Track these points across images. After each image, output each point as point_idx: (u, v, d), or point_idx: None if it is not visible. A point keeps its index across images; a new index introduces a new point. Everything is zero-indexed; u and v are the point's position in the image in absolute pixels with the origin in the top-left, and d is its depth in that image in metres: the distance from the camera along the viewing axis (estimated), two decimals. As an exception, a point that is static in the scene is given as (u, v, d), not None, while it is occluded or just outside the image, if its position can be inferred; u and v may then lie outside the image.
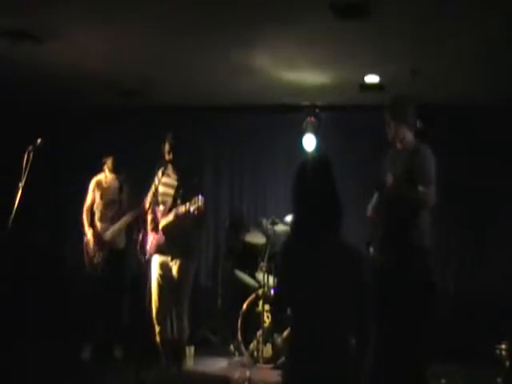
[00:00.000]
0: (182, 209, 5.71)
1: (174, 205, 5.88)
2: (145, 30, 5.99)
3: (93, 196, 7.21)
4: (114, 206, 7.13)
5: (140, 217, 6.59)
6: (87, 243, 7.08)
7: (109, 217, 7.11)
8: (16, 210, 5.47)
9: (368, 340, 3.37)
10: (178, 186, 5.99)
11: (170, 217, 5.83)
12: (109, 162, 7.20)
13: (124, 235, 7.15)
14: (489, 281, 7.78)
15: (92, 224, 7.14)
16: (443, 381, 6.06)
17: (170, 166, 6.07)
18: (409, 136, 5.25)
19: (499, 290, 7.60)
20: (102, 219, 7.13)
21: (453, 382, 6.04)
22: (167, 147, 5.99)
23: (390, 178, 5.14)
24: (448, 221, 7.85)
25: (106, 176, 7.25)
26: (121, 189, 7.17)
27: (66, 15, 5.65)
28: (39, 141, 5.69)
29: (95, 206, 7.17)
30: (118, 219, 7.06)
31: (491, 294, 7.63)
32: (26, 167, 5.58)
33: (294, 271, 3.30)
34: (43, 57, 6.67)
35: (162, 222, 5.91)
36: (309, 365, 3.19)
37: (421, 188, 4.98)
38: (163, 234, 5.91)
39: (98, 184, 7.23)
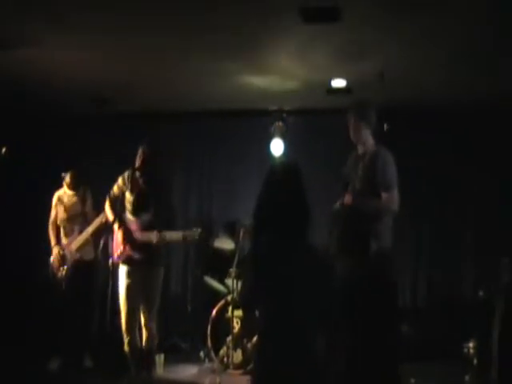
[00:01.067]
0: (174, 237, 5.69)
1: (152, 223, 5.83)
2: (119, 37, 5.95)
3: (55, 211, 7.11)
4: (78, 219, 7.00)
5: (103, 224, 6.55)
6: (53, 259, 7.00)
7: (74, 230, 6.99)
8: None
9: (334, 342, 3.36)
10: (149, 198, 5.92)
11: (154, 239, 5.74)
12: (67, 178, 7.07)
13: (92, 246, 7.01)
14: (457, 280, 7.85)
15: (58, 239, 7.05)
16: (412, 380, 6.10)
17: (138, 174, 5.98)
18: (370, 138, 5.31)
19: (467, 289, 7.67)
20: (67, 234, 7.03)
21: (422, 380, 6.06)
22: (139, 154, 5.92)
23: (347, 196, 5.20)
24: (418, 221, 7.92)
25: (65, 192, 7.13)
26: (83, 201, 7.03)
27: (39, 23, 5.59)
28: (3, 149, 5.62)
29: (59, 221, 7.07)
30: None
31: (459, 293, 7.70)
32: None
33: (262, 274, 3.27)
34: (16, 65, 6.60)
35: (139, 239, 5.84)
36: (276, 367, 3.17)
37: (384, 195, 5.01)
38: (131, 246, 5.84)
39: (60, 199, 7.12)
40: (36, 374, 6.47)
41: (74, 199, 7.06)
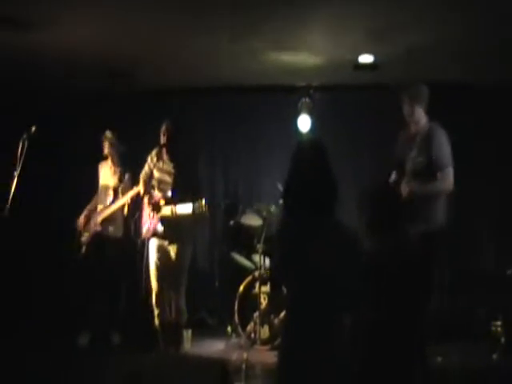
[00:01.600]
0: (184, 210, 5.70)
1: (173, 194, 5.86)
2: (137, 11, 5.91)
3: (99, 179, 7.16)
4: (109, 191, 7.02)
5: (133, 200, 6.59)
6: (80, 225, 7.05)
7: (106, 202, 7.02)
8: (12, 199, 5.47)
9: (362, 322, 3.38)
10: (175, 174, 5.97)
11: (169, 212, 5.80)
12: (106, 140, 7.09)
13: (122, 223, 7.03)
14: (485, 258, 7.83)
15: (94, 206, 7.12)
16: (439, 359, 6.08)
17: (164, 151, 6.04)
18: (423, 117, 5.34)
19: (495, 267, 7.63)
20: (101, 203, 7.07)
21: (448, 359, 6.06)
22: (163, 130, 5.98)
23: (394, 176, 5.22)
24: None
25: (107, 161, 7.16)
26: (118, 174, 7.03)
27: (50, 1, 5.60)
28: (33, 129, 5.68)
29: (99, 190, 7.12)
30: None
31: (486, 271, 7.66)
32: (20, 156, 5.57)
33: (290, 251, 3.30)
34: (32, 43, 6.60)
35: (162, 212, 5.88)
36: (303, 345, 3.20)
37: (439, 175, 5.03)
38: (162, 224, 5.91)
39: (100, 169, 7.18)
40: (65, 349, 6.54)
41: (112, 170, 7.08)
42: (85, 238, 6.98)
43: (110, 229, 6.98)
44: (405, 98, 5.44)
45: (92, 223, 6.97)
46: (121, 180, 6.95)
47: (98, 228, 6.92)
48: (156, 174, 6.06)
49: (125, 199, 6.74)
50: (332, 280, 3.23)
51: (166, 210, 5.82)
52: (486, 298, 7.18)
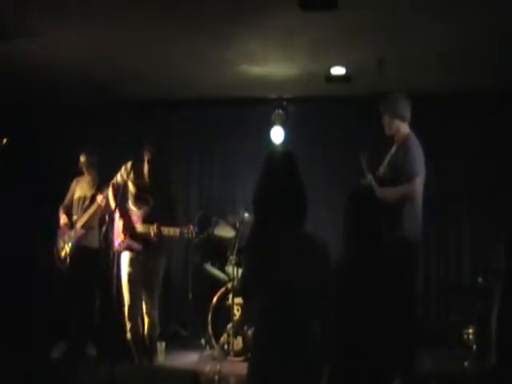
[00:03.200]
0: (171, 232, 5.75)
1: (153, 215, 5.88)
2: (117, 25, 5.97)
3: (71, 194, 7.11)
4: (87, 202, 6.95)
5: (102, 208, 6.56)
6: (60, 232, 6.97)
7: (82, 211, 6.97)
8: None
9: (332, 330, 3.38)
10: (152, 191, 5.97)
11: (152, 232, 5.80)
12: (82, 158, 7.04)
13: (97, 234, 6.96)
14: (456, 267, 7.88)
15: (69, 218, 7.02)
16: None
17: (145, 168, 6.02)
18: (403, 128, 5.42)
19: (466, 275, 7.70)
20: (77, 213, 7.00)
21: (421, 366, 6.10)
22: (147, 147, 5.95)
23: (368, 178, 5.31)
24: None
25: (81, 175, 7.13)
26: (93, 185, 6.99)
27: (36, 12, 5.60)
28: (4, 141, 5.64)
29: (74, 204, 7.05)
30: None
31: (458, 280, 7.73)
32: None
33: (259, 263, 3.28)
34: (14, 55, 6.60)
35: (139, 231, 5.89)
36: (273, 358, 3.19)
37: (405, 181, 5.11)
38: (131, 236, 5.89)
39: (77, 183, 7.13)
40: (39, 363, 6.48)
41: (90, 183, 7.03)
42: (66, 250, 6.89)
43: (88, 240, 6.92)
44: (382, 111, 5.57)
45: (71, 232, 6.89)
46: (100, 190, 6.81)
47: (80, 233, 6.84)
48: (131, 187, 6.04)
49: (95, 206, 6.70)
50: (302, 292, 3.23)
51: (150, 229, 5.82)
52: (458, 307, 7.24)
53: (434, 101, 7.69)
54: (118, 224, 6.02)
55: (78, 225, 6.88)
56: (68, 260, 6.84)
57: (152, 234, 5.78)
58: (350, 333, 3.68)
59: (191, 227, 5.73)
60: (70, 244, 6.86)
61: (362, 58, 6.65)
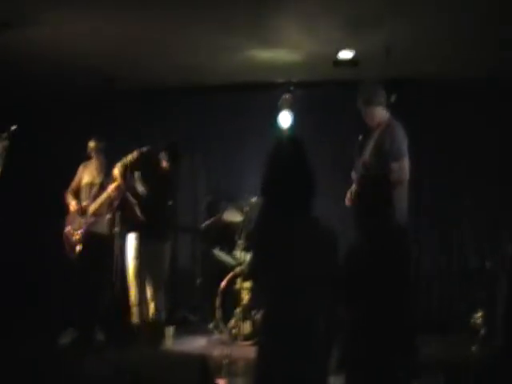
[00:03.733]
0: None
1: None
2: (123, 12, 5.94)
3: (79, 179, 7.13)
4: (96, 187, 6.98)
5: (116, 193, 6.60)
6: (69, 217, 6.99)
7: (91, 197, 6.99)
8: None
9: (337, 318, 3.39)
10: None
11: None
12: (91, 144, 7.03)
13: (106, 220, 6.94)
14: (464, 251, 7.87)
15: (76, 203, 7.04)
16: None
17: (158, 170, 6.08)
18: (381, 114, 5.42)
19: (474, 260, 7.67)
20: (86, 199, 7.02)
21: (429, 351, 6.10)
22: (166, 157, 6.08)
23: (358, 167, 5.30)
24: (423, 193, 7.92)
25: (89, 160, 7.14)
26: (102, 171, 6.99)
27: (37, 1, 5.59)
28: (13, 128, 5.65)
29: (81, 190, 7.08)
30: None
31: (467, 267, 7.71)
32: (0, 155, 5.55)
33: (266, 249, 3.29)
34: (17, 43, 6.57)
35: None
36: (279, 341, 3.20)
37: (394, 165, 5.06)
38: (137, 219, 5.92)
39: (85, 169, 7.15)
40: (48, 349, 6.50)
41: (98, 169, 7.02)
42: (76, 236, 6.90)
43: (98, 226, 6.93)
44: (362, 106, 5.64)
45: (82, 219, 6.90)
46: (107, 175, 6.89)
47: (91, 220, 6.87)
48: (141, 175, 6.10)
49: (109, 191, 6.70)
50: (309, 276, 3.23)
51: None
52: (466, 291, 7.24)
53: (443, 86, 7.67)
54: (124, 208, 6.09)
55: (90, 212, 6.90)
56: (78, 246, 6.87)
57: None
58: (358, 318, 3.70)
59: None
60: (80, 231, 6.88)
61: (370, 42, 6.59)
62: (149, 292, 6.01)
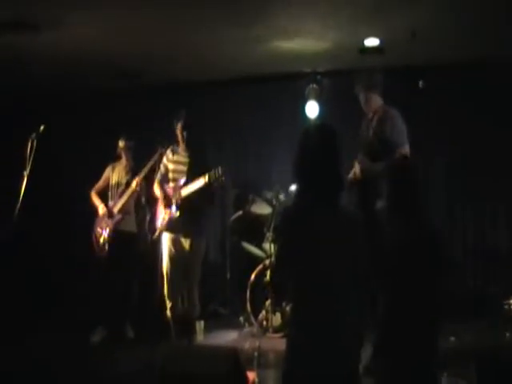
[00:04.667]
0: (200, 182, 5.70)
1: (187, 181, 5.87)
2: (143, 8, 5.95)
3: (106, 179, 7.19)
4: (122, 187, 7.02)
5: (145, 195, 6.61)
6: (97, 223, 7.02)
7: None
8: (22, 199, 5.48)
9: (368, 305, 3.34)
10: (190, 162, 5.97)
11: (188, 190, 5.82)
12: (121, 144, 7.10)
13: (134, 218, 7.05)
14: (497, 236, 7.76)
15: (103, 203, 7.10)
16: (452, 338, 6.06)
17: (180, 144, 6.05)
18: (379, 101, 5.56)
19: (506, 244, 7.57)
20: (113, 199, 7.08)
21: (462, 339, 6.03)
22: (179, 128, 5.98)
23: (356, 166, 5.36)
24: (453, 176, 7.84)
25: (118, 161, 7.18)
26: (129, 171, 7.05)
27: (62, 2, 5.63)
28: (42, 128, 5.68)
29: (109, 189, 7.12)
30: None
31: (499, 250, 7.60)
32: (29, 155, 5.59)
33: (295, 237, 3.25)
34: (43, 44, 6.68)
35: (177, 197, 5.89)
36: (309, 334, 3.17)
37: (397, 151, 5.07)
38: (177, 209, 5.89)
39: (113, 169, 7.19)
40: (79, 347, 6.54)
41: (127, 169, 7.08)
42: (105, 236, 6.94)
43: (126, 224, 6.98)
44: (360, 91, 5.63)
45: (110, 220, 6.94)
46: (134, 175, 6.90)
47: (117, 218, 6.91)
48: (171, 166, 6.10)
49: (133, 187, 6.72)
50: (339, 268, 3.19)
51: (183, 191, 5.86)
52: (498, 277, 7.15)
53: (469, 71, 7.57)
54: (160, 208, 6.07)
55: (115, 210, 6.95)
56: (107, 246, 6.90)
57: (183, 194, 5.84)
58: (391, 305, 3.66)
59: (219, 169, 5.62)
60: (107, 230, 6.91)
61: (396, 29, 6.52)
62: (184, 286, 6.01)
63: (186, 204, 5.87)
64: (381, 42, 6.99)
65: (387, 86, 7.68)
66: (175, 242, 6.02)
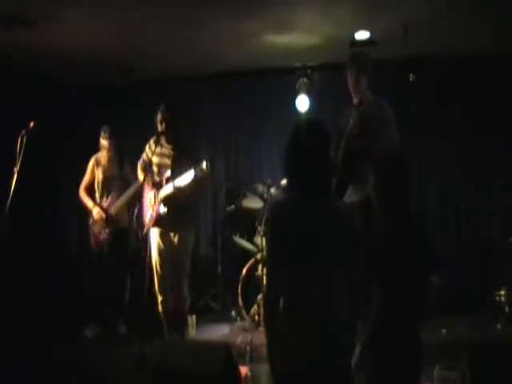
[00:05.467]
0: (185, 179, 5.64)
1: (172, 175, 5.83)
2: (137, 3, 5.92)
3: (91, 175, 7.08)
4: (115, 182, 6.98)
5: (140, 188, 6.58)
6: (93, 223, 6.99)
7: (111, 194, 6.98)
8: (12, 196, 5.45)
9: (362, 299, 3.34)
10: (174, 156, 5.94)
11: (170, 188, 5.77)
12: (104, 134, 6.98)
13: (126, 213, 7.02)
14: (487, 228, 7.81)
15: (95, 201, 7.02)
16: (443, 330, 6.08)
17: (163, 137, 6.02)
18: (364, 87, 5.47)
19: (497, 236, 7.59)
20: (102, 197, 7.02)
21: (453, 330, 6.05)
22: (159, 118, 5.99)
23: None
24: (445, 168, 7.89)
25: (102, 154, 7.06)
26: (121, 164, 7.01)
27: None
28: (32, 124, 5.65)
29: (96, 184, 7.05)
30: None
31: (490, 241, 7.63)
32: (19, 152, 5.55)
33: (284, 233, 3.24)
34: (38, 39, 6.63)
35: (162, 194, 5.87)
36: (300, 328, 3.17)
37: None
38: (164, 205, 5.88)
39: (97, 161, 7.07)
40: (72, 342, 6.54)
41: (112, 161, 7.01)
42: (104, 237, 6.91)
43: (122, 221, 6.98)
44: (352, 70, 5.49)
45: (108, 219, 6.90)
46: (122, 165, 6.94)
47: (117, 219, 6.90)
48: (155, 159, 6.04)
49: (134, 188, 6.66)
50: (330, 258, 3.19)
51: (167, 189, 5.81)
52: (489, 268, 7.17)
53: (460, 63, 7.57)
54: (147, 199, 6.05)
55: (114, 211, 6.92)
56: (106, 246, 6.91)
57: (171, 190, 5.77)
58: (381, 300, 3.66)
59: (203, 163, 5.57)
60: (107, 231, 6.89)
61: (387, 22, 6.51)
62: (173, 280, 6.00)
63: (174, 198, 5.84)
64: (371, 35, 6.97)
65: (378, 78, 7.77)
66: (163, 237, 6.01)
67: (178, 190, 5.73)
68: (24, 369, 5.34)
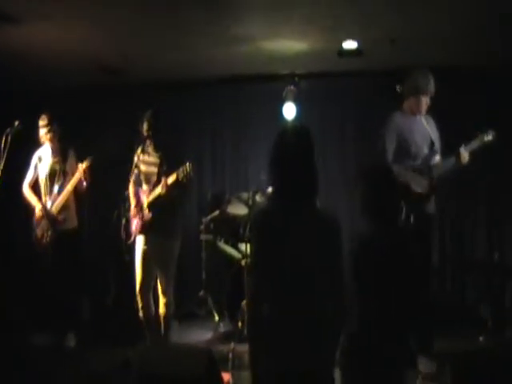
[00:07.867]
0: (170, 179, 5.65)
1: (158, 182, 5.83)
2: (123, 5, 5.87)
3: (35, 171, 6.72)
4: (58, 178, 6.57)
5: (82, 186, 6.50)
6: (37, 221, 6.59)
7: (54, 190, 6.58)
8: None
9: (345, 310, 3.35)
10: (160, 163, 5.93)
11: (157, 190, 5.77)
12: (42, 121, 6.58)
13: (74, 213, 6.72)
14: (471, 242, 7.84)
15: (39, 198, 6.63)
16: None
17: (148, 144, 6.01)
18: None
19: (482, 251, 7.63)
20: (47, 194, 6.61)
21: (436, 342, 6.07)
22: (145, 126, 5.94)
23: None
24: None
25: (45, 149, 6.71)
26: (64, 160, 6.61)
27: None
28: (17, 123, 5.61)
29: (40, 180, 6.68)
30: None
31: (474, 256, 7.67)
32: (4, 150, 5.52)
33: (269, 238, 3.25)
34: (21, 38, 6.56)
35: (149, 199, 5.86)
36: (283, 334, 3.19)
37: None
38: (149, 211, 5.87)
39: (40, 158, 6.71)
40: (51, 347, 6.49)
41: (55, 156, 6.66)
42: (47, 239, 6.51)
43: (68, 222, 6.60)
44: (427, 98, 5.77)
45: (47, 216, 6.53)
46: (65, 158, 6.61)
47: (59, 218, 6.51)
48: (142, 167, 6.03)
49: (73, 183, 6.46)
50: (314, 266, 3.20)
51: (154, 193, 5.82)
52: (473, 282, 7.21)
53: (447, 75, 7.60)
54: (134, 210, 6.04)
55: (54, 210, 6.55)
56: (50, 249, 6.51)
57: (159, 191, 5.74)
58: (368, 307, 3.67)
59: (186, 165, 5.54)
60: (49, 233, 6.50)
61: (374, 32, 6.55)
62: (159, 286, 5.98)
63: (158, 204, 5.84)
64: (359, 44, 7.00)
65: (365, 89, 7.81)
66: (148, 243, 5.99)
67: (164, 191, 5.73)
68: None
